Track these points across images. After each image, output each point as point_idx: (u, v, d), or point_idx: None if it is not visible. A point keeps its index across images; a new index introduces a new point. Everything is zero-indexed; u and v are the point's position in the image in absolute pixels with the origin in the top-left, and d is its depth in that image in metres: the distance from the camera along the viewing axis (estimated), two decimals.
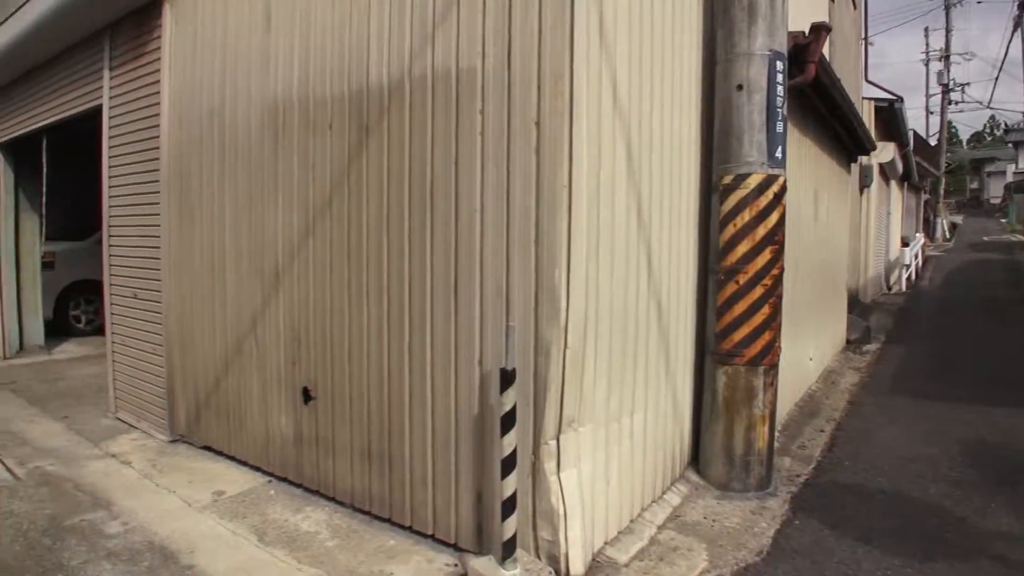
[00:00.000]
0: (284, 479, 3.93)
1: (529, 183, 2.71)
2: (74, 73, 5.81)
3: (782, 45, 3.98)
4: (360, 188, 3.32)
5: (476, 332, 2.89)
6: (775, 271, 3.85)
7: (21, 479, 4.08)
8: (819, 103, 5.91)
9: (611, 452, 3.15)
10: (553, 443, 2.76)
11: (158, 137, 4.61)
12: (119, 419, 5.26)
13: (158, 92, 4.63)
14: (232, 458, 4.27)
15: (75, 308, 9.05)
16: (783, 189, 3.88)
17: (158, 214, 4.62)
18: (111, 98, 5.17)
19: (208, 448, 4.49)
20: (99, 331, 9.15)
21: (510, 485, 2.66)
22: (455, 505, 3.06)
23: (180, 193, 4.48)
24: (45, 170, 6.69)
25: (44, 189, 6.75)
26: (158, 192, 4.63)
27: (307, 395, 3.67)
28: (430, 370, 3.09)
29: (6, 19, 6.33)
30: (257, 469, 4.10)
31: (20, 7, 6.10)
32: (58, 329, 8.55)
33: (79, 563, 3.13)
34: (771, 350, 3.89)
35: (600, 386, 2.99)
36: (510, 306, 2.78)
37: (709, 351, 3.95)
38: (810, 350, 6.33)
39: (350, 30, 3.37)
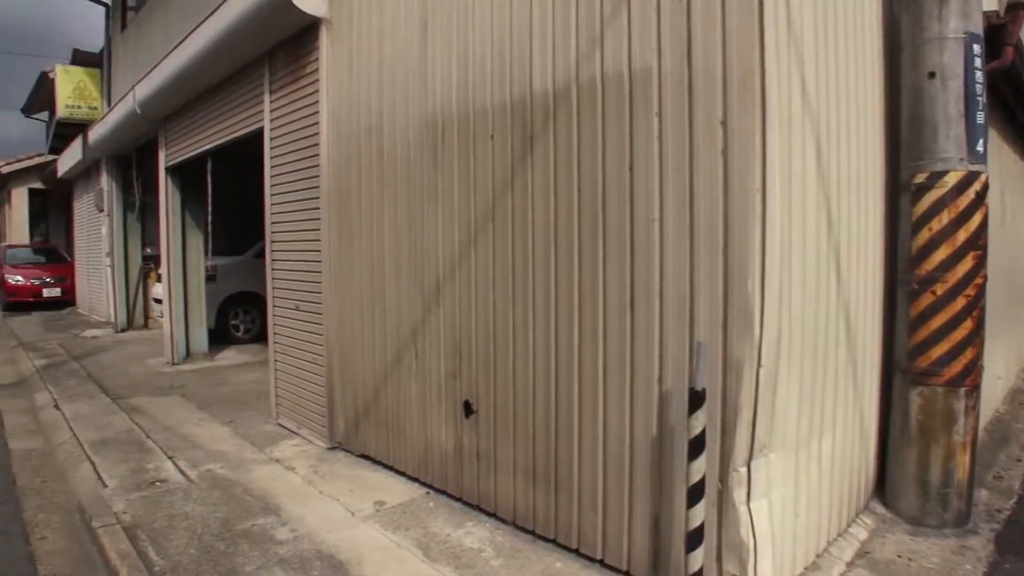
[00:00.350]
0: (443, 492, 3.90)
1: (715, 187, 2.51)
2: (236, 98, 6.16)
3: (978, 26, 3.56)
4: (525, 198, 3.23)
5: (655, 349, 2.72)
6: (978, 280, 3.42)
7: (194, 482, 4.29)
8: (1007, 91, 5.30)
9: (800, 480, 2.88)
10: (743, 470, 2.54)
11: (317, 155, 4.77)
12: (280, 425, 5.48)
13: (316, 112, 4.79)
14: (390, 468, 4.31)
15: (234, 318, 9.65)
16: (985, 188, 3.44)
17: (318, 229, 4.77)
18: (271, 120, 5.41)
19: (366, 457, 4.56)
20: (256, 339, 9.74)
21: (697, 515, 2.46)
22: (628, 531, 2.89)
23: (340, 209, 4.60)
24: (210, 190, 7.11)
25: (210, 208, 7.18)
26: (318, 208, 4.78)
27: (468, 409, 3.63)
28: (602, 388, 2.94)
29: (172, 49, 6.85)
30: (415, 480, 4.11)
31: (183, 39, 6.57)
32: (219, 337, 9.14)
33: (253, 569, 3.21)
34: (974, 369, 3.45)
35: (791, 408, 2.74)
36: (695, 321, 2.58)
37: (899, 369, 3.57)
38: (998, 367, 5.67)
39: (511, 39, 3.30)
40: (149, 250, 11.38)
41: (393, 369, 4.18)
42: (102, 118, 10.51)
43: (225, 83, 6.38)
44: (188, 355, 8.44)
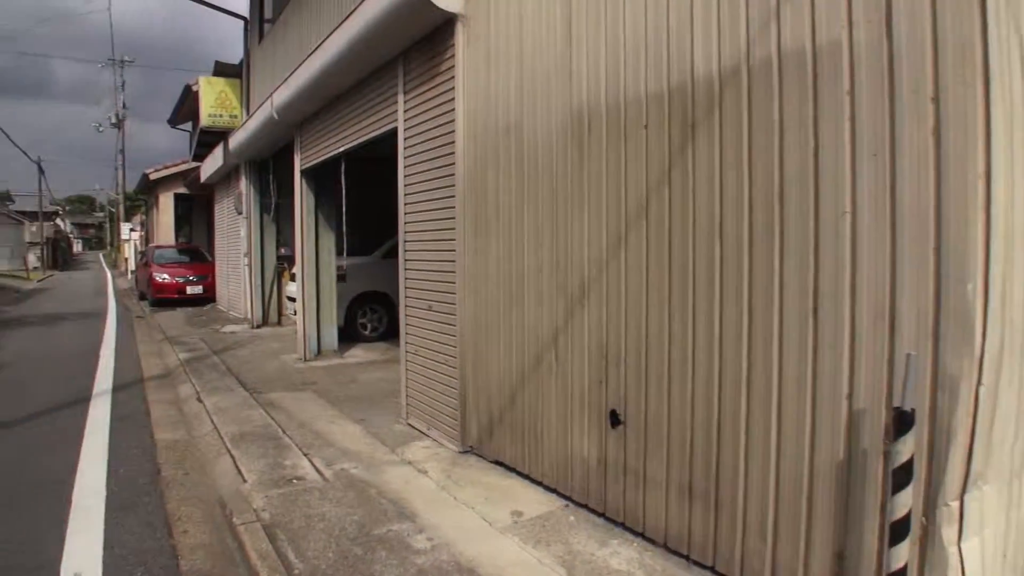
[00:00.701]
0: (584, 505, 3.69)
1: (925, 174, 2.16)
2: (369, 100, 6.23)
3: None
4: (684, 192, 2.97)
5: (844, 361, 2.39)
6: None
7: (329, 481, 4.30)
8: None
9: (1010, 516, 2.46)
10: (955, 504, 2.17)
11: (453, 154, 4.69)
12: (410, 425, 5.46)
13: (452, 111, 4.71)
14: (526, 476, 4.15)
15: (362, 316, 9.87)
16: None
17: (453, 229, 4.69)
18: (405, 120, 5.40)
19: (500, 463, 4.43)
20: (382, 337, 9.92)
21: (899, 556, 2.12)
22: (803, 563, 2.57)
23: (475, 208, 4.50)
24: (344, 192, 7.25)
25: (344, 209, 7.32)
26: (453, 208, 4.70)
27: (615, 419, 3.40)
28: (776, 403, 2.64)
29: (307, 56, 7.02)
30: (553, 491, 3.92)
31: (318, 46, 6.72)
32: (347, 335, 9.36)
33: None
34: None
35: (1008, 432, 2.33)
36: (895, 331, 2.24)
37: None
38: None
39: (668, 21, 3.05)
40: (283, 250, 11.88)
41: (531, 374, 4.02)
42: (241, 125, 11.05)
43: (358, 86, 6.47)
44: (319, 352, 8.69)
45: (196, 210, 24.13)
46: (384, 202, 9.08)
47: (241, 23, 12.45)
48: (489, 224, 4.37)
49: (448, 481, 4.25)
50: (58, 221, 62.34)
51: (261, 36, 11.72)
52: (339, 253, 8.96)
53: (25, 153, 58.98)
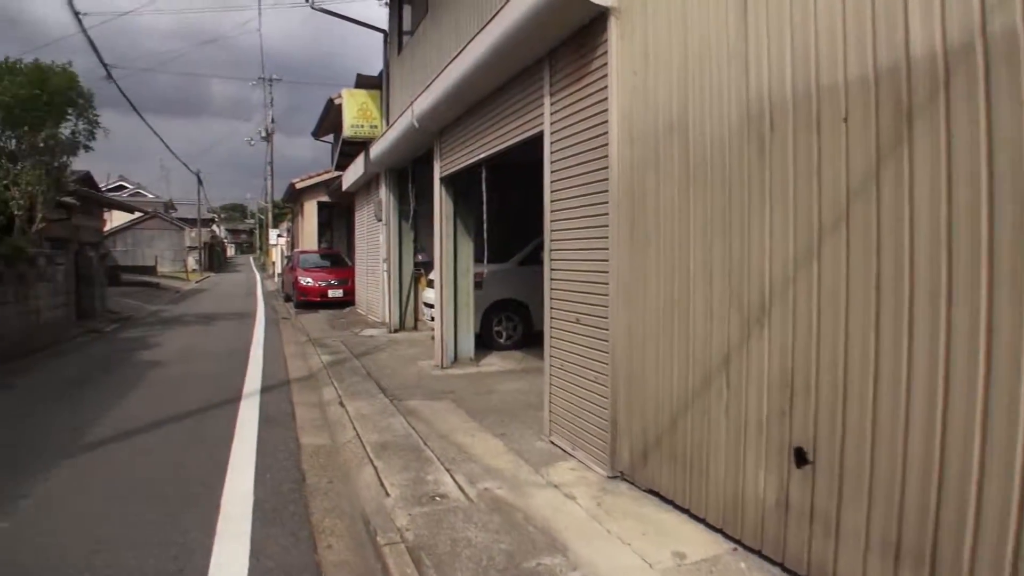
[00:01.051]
0: (756, 551, 3.26)
1: None
2: (512, 105, 6.04)
3: None
4: (898, 193, 2.51)
5: None
6: None
7: (473, 501, 4.10)
8: None
9: None
10: None
11: (605, 157, 4.39)
12: (553, 443, 5.20)
13: (604, 111, 4.42)
14: (686, 511, 3.76)
15: (497, 324, 9.77)
16: None
17: (605, 237, 4.39)
18: (552, 123, 5.16)
19: (654, 493, 4.06)
20: (517, 346, 9.78)
21: None
22: None
23: (632, 214, 4.17)
24: (485, 198, 7.12)
25: (485, 216, 7.20)
26: (605, 215, 4.39)
27: (801, 457, 2.96)
28: (1022, 453, 2.14)
29: (448, 63, 6.96)
30: (718, 531, 3.51)
31: (459, 52, 6.62)
32: (481, 343, 9.27)
33: None
34: None
35: None
36: None
37: None
38: None
39: (873, 3, 2.60)
40: (420, 256, 12.04)
41: (696, 398, 3.64)
42: (382, 135, 11.29)
43: (501, 90, 6.32)
44: (456, 359, 8.64)
45: (336, 217, 25.26)
46: (519, 208, 8.94)
47: (381, 36, 12.78)
48: (648, 232, 4.02)
49: (599, 510, 3.94)
50: (214, 227, 67.63)
51: (400, 48, 11.96)
52: (484, 260, 8.90)
53: (186, 165, 64.81)
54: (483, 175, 7.15)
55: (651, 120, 3.99)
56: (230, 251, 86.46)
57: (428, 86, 7.81)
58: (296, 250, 22.45)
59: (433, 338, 9.43)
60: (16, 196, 11.26)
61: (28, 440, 5.62)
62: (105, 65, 18.76)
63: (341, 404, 6.70)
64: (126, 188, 59.82)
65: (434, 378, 7.93)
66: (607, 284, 4.39)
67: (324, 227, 25.32)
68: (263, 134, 46.17)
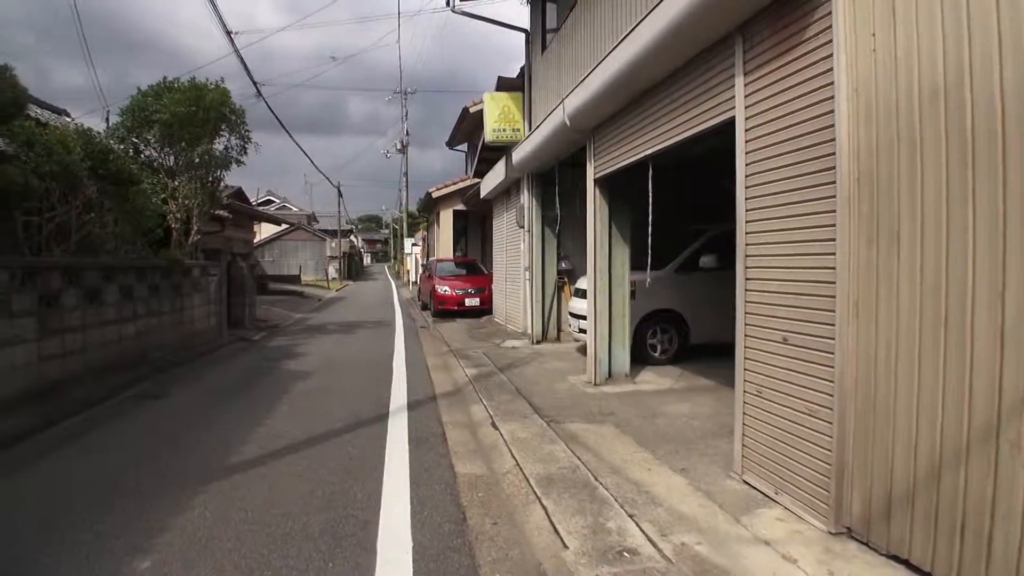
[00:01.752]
0: None
1: None
2: (689, 91, 5.32)
3: None
4: None
5: None
6: None
7: (671, 560, 3.37)
8: None
9: None
10: None
11: (829, 142, 3.59)
12: (747, 483, 4.41)
13: (826, 86, 3.62)
14: None
15: (651, 337, 9.01)
16: None
17: (830, 239, 3.58)
18: (747, 107, 4.40)
19: (899, 559, 3.21)
20: (672, 360, 8.98)
21: None
22: None
23: (872, 209, 3.34)
24: (651, 198, 6.42)
25: (651, 219, 6.49)
26: (830, 211, 3.58)
27: None
28: None
29: (606, 56, 6.33)
30: None
31: (620, 41, 5.96)
32: (633, 357, 8.52)
33: None
34: None
35: None
36: None
37: None
38: None
39: None
40: (564, 264, 11.47)
41: (977, 445, 2.77)
42: (525, 138, 10.85)
43: (673, 77, 5.62)
44: (610, 375, 7.97)
45: (472, 225, 25.29)
46: (676, 211, 8.17)
47: (522, 37, 12.37)
48: (897, 231, 3.19)
49: None
50: (352, 238, 70.84)
51: (544, 46, 11.47)
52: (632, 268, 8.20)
53: (328, 179, 68.63)
54: (650, 173, 6.44)
55: (903, 90, 3.16)
56: (366, 260, 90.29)
57: (582, 81, 7.23)
58: (433, 258, 22.59)
59: (580, 351, 8.82)
60: (173, 209, 11.73)
61: (176, 458, 5.47)
62: (255, 83, 19.68)
63: (494, 425, 6.21)
64: (273, 202, 64.00)
65: (589, 396, 7.30)
66: (832, 297, 3.57)
67: (458, 235, 25.42)
68: (398, 146, 47.66)
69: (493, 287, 16.46)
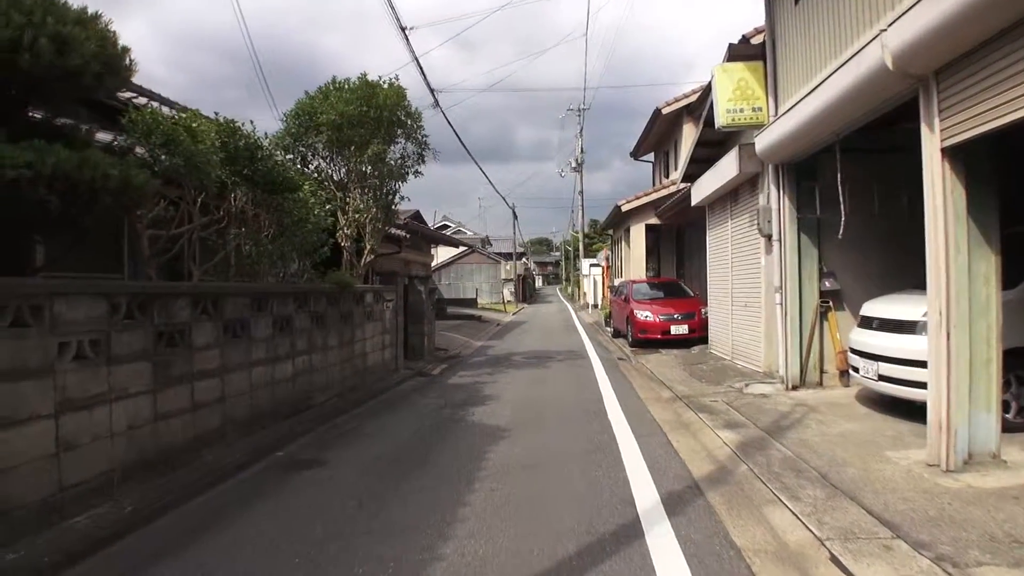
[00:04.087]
0: None
1: None
2: None
3: None
4: None
5: None
6: None
7: None
8: None
9: None
10: None
11: None
12: None
13: None
14: None
15: (1006, 388, 5.92)
16: None
17: None
18: None
19: None
20: None
21: None
22: None
23: None
24: None
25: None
26: None
27: None
28: None
29: None
30: None
31: None
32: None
33: None
34: None
35: None
36: None
37: None
38: None
39: None
40: (828, 283, 8.60)
41: None
42: (786, 111, 8.18)
43: None
44: (969, 455, 5.06)
45: (665, 240, 22.58)
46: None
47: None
48: None
49: None
50: (525, 260, 70.33)
51: None
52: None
53: (504, 199, 69.12)
54: None
55: None
56: (538, 282, 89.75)
57: None
58: (627, 280, 20.05)
59: (867, 402, 5.97)
60: (342, 224, 10.22)
61: None
62: (432, 91, 18.45)
63: (834, 560, 3.63)
64: (449, 226, 65.04)
65: (958, 497, 4.46)
66: None
67: (648, 253, 22.77)
68: (573, 164, 46.00)
69: (708, 312, 13.65)
